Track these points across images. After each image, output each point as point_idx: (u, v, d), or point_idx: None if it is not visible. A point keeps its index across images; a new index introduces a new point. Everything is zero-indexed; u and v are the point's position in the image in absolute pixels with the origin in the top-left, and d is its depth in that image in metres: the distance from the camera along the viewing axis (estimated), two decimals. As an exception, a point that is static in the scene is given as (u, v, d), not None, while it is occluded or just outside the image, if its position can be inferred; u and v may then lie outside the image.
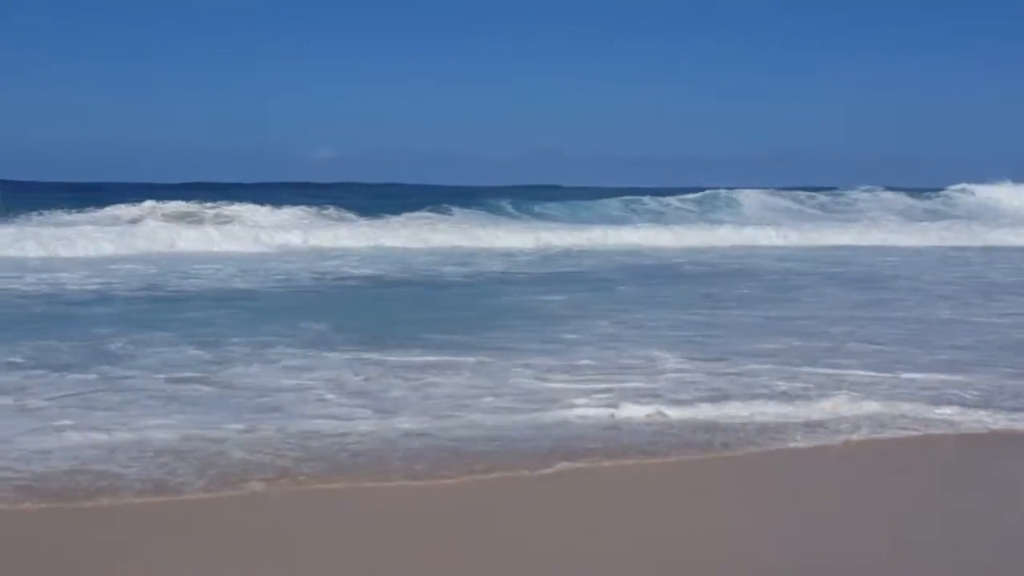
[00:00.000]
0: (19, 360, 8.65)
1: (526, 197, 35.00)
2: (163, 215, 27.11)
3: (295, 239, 23.27)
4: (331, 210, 28.95)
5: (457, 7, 79.74)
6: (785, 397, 7.51)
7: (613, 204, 35.24)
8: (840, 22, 79.98)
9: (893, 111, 75.33)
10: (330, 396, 7.50)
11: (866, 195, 40.10)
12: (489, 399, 7.40)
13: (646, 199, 36.13)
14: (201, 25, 77.92)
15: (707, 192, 37.79)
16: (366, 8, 77.88)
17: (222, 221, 26.68)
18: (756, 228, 29.09)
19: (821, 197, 39.61)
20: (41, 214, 26.22)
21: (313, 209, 28.74)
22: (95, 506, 5.22)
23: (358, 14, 75.10)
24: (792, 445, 6.44)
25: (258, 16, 77.04)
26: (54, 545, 4.78)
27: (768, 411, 7.07)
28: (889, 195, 40.50)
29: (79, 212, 26.83)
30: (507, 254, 22.06)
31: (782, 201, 38.31)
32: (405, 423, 6.70)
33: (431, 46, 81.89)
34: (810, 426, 6.80)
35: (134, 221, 26.22)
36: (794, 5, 79.05)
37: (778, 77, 79.44)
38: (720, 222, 32.35)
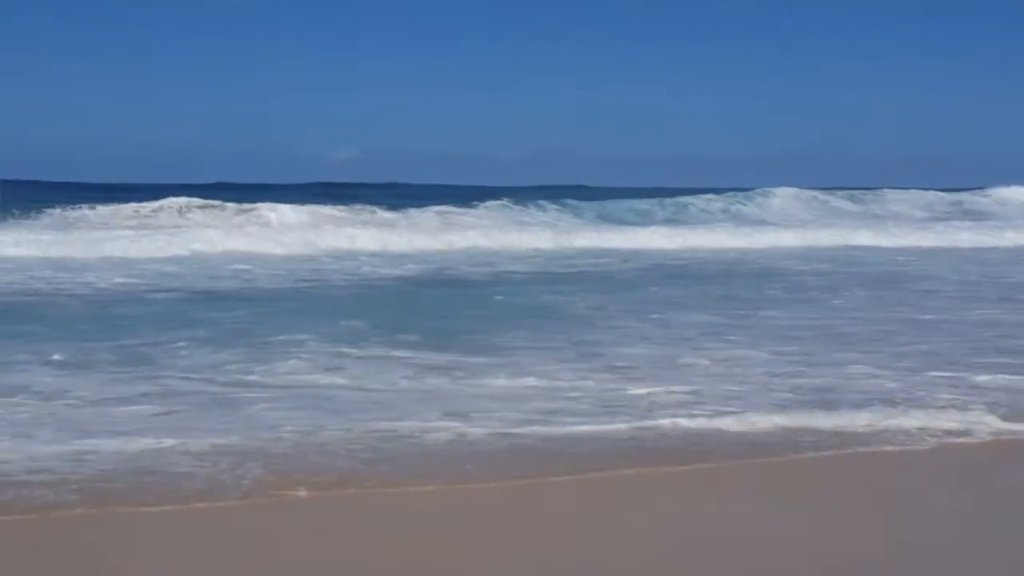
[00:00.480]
0: (61, 359, 8.54)
1: (549, 197, 34.74)
2: (186, 208, 27.14)
3: (321, 238, 23.12)
4: (355, 207, 28.85)
5: (459, 8, 79.67)
6: (855, 403, 7.31)
7: (638, 204, 34.97)
8: (869, 23, 79.49)
9: (929, 111, 74.54)
10: (384, 397, 7.38)
11: (899, 193, 39.79)
12: (547, 403, 7.25)
13: (683, 198, 35.83)
14: (202, 25, 77.98)
15: (737, 191, 37.56)
16: (365, 8, 77.87)
17: (245, 210, 26.89)
18: (786, 228, 28.82)
19: (855, 193, 39.34)
20: (65, 209, 26.25)
21: (339, 208, 28.62)
22: (150, 511, 5.07)
23: (357, 14, 75.13)
24: (872, 449, 6.31)
25: (259, 16, 77.08)
26: (101, 549, 4.64)
27: (834, 418, 6.86)
28: (928, 194, 40.20)
29: (103, 206, 26.86)
30: (533, 255, 21.86)
31: (813, 198, 38.02)
32: (463, 425, 6.55)
33: (432, 48, 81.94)
34: (899, 433, 6.62)
35: (155, 212, 26.37)
36: (826, 6, 78.49)
37: (796, 77, 78.99)
38: (749, 221, 32.12)
